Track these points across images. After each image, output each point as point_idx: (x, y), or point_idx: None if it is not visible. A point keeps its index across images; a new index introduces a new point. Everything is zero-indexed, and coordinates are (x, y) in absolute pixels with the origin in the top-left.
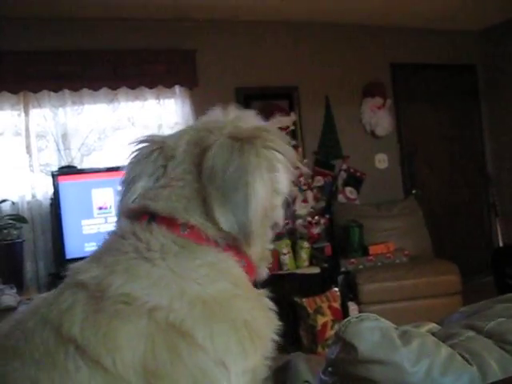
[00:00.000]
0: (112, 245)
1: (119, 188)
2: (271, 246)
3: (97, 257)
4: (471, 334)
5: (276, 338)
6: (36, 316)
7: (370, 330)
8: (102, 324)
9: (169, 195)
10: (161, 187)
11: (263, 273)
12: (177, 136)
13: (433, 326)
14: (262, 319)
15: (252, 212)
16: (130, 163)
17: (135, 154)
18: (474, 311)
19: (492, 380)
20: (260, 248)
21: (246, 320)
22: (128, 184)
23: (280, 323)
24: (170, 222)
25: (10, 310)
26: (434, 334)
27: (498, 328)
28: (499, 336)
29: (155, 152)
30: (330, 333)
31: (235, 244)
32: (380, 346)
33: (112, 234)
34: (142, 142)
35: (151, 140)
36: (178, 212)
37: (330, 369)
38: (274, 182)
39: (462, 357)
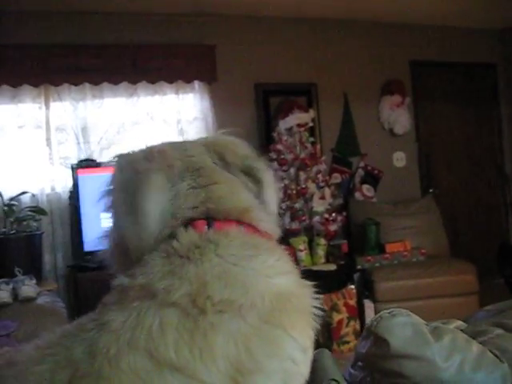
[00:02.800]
0: (184, 254)
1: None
2: None
3: (171, 270)
4: (500, 331)
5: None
6: (118, 342)
7: (401, 326)
8: (196, 340)
9: (228, 197)
10: (212, 189)
11: None
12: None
13: (460, 323)
14: (313, 307)
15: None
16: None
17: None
18: (500, 309)
19: None
20: None
21: (310, 308)
22: (172, 180)
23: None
24: (237, 223)
25: (30, 300)
26: (462, 331)
27: None
28: None
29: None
30: (346, 330)
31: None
32: (412, 341)
33: (175, 243)
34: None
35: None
36: (244, 213)
37: (359, 363)
38: None
39: (493, 354)
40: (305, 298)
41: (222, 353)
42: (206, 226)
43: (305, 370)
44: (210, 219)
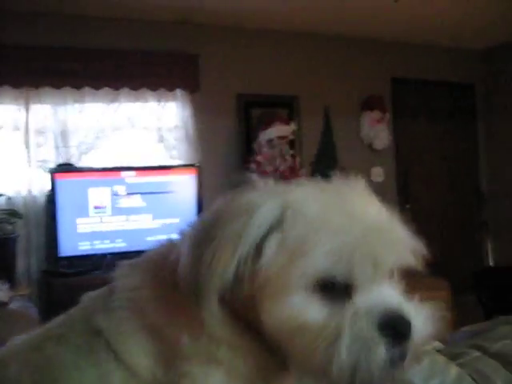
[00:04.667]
0: None
1: None
2: None
3: None
4: (477, 354)
5: None
6: (80, 310)
7: None
8: (116, 324)
9: None
10: None
11: None
12: None
13: (437, 343)
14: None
15: (206, 271)
16: None
17: None
18: (477, 331)
19: None
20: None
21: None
22: None
23: None
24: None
25: (2, 305)
26: (439, 352)
27: (504, 350)
28: (505, 358)
29: None
30: None
31: None
32: None
33: None
34: None
35: None
36: None
37: None
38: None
39: (471, 377)
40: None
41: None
42: None
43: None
44: None
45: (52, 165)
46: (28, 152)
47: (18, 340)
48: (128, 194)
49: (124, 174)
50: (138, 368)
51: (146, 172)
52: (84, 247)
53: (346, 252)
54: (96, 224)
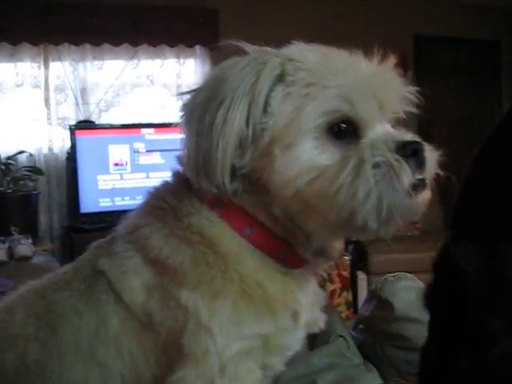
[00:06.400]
0: None
1: None
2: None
3: None
4: None
5: (292, 304)
6: (86, 256)
7: (406, 289)
8: (118, 264)
9: None
10: None
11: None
12: None
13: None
14: (267, 286)
15: (218, 136)
16: None
17: None
18: None
19: None
20: (268, 215)
21: (241, 288)
22: None
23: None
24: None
25: (26, 259)
26: None
27: None
28: None
29: None
30: (338, 300)
31: (241, 207)
32: (415, 305)
33: None
34: None
35: None
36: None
37: (361, 326)
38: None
39: None
40: (223, 277)
41: (137, 291)
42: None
43: None
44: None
45: (72, 122)
46: (48, 109)
47: (27, 286)
48: (147, 151)
49: (143, 131)
50: (134, 307)
51: (166, 129)
52: (105, 204)
53: (352, 91)
54: (116, 181)
